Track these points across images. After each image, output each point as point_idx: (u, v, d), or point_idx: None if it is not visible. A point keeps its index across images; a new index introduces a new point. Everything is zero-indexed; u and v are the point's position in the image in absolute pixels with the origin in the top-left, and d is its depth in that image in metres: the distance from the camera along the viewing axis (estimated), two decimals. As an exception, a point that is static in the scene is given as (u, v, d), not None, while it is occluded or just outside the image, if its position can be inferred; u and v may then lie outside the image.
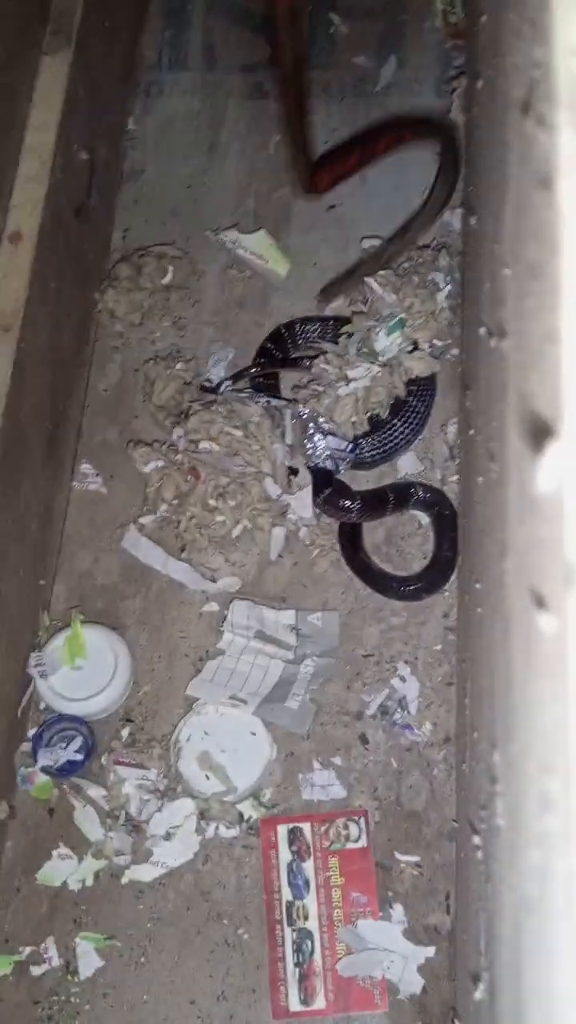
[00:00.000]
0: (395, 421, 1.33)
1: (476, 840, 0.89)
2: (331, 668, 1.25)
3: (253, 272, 1.51)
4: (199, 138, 1.62)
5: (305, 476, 1.31)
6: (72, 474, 1.39)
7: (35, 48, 1.31)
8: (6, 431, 1.13)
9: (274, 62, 1.34)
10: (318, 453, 1.32)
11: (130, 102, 1.64)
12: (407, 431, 1.33)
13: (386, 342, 1.33)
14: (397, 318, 1.33)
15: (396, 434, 1.33)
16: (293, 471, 1.32)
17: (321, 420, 1.33)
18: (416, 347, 1.34)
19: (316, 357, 1.37)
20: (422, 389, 1.35)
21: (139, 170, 1.60)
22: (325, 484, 1.31)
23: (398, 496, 1.32)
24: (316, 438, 1.32)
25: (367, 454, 1.34)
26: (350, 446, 1.33)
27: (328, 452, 1.32)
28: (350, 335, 1.37)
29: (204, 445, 1.31)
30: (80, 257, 1.41)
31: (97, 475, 1.39)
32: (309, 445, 1.32)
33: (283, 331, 1.43)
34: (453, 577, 1.28)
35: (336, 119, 1.61)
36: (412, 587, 1.29)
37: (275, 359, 1.41)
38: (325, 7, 1.69)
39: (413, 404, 1.33)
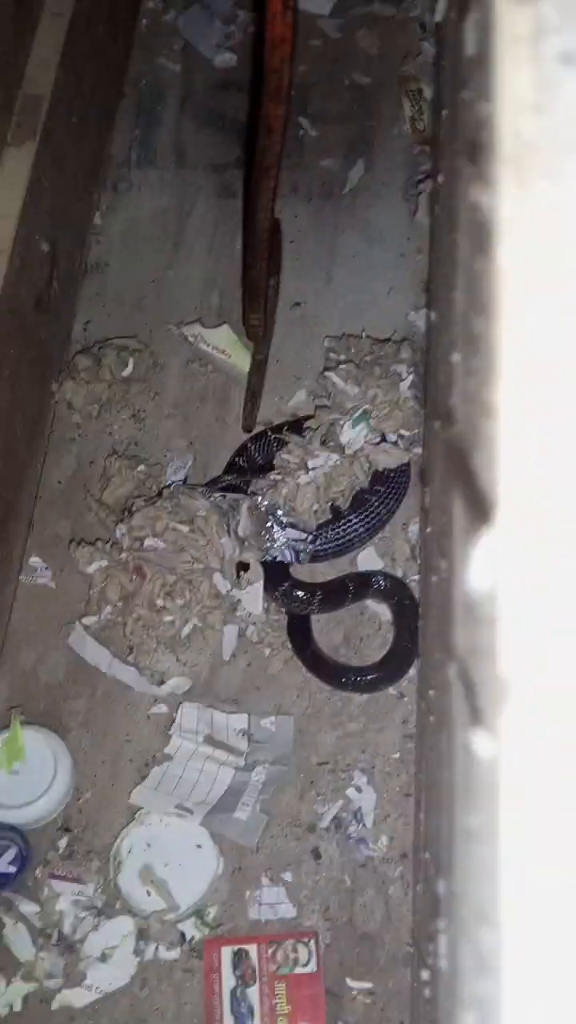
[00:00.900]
0: (352, 517, 1.30)
1: (424, 975, 0.83)
2: (284, 776, 1.19)
3: (215, 367, 1.49)
4: (166, 233, 1.61)
5: (257, 571, 1.27)
6: (20, 567, 1.34)
7: (0, 139, 1.30)
8: (-52, 521, 1.09)
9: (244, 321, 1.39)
10: (277, 545, 1.28)
11: (97, 196, 1.63)
12: (362, 528, 1.30)
13: (351, 434, 1.31)
14: (361, 409, 1.31)
15: (351, 530, 1.30)
16: (243, 566, 1.28)
17: (279, 512, 1.29)
18: (384, 439, 1.31)
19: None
20: (390, 485, 1.31)
21: (103, 263, 1.59)
22: (282, 577, 1.27)
23: (358, 585, 1.29)
24: (275, 529, 1.28)
25: (322, 546, 1.30)
26: (310, 536, 1.29)
27: (287, 543, 1.28)
28: (314, 428, 1.34)
29: (149, 542, 1.27)
30: (38, 347, 1.39)
31: (47, 569, 1.35)
32: (267, 537, 1.28)
33: (249, 444, 1.40)
34: (411, 672, 1.23)
35: (303, 220, 1.61)
36: (369, 677, 1.24)
37: (244, 471, 1.37)
38: (295, 112, 1.71)
39: (372, 501, 1.30)
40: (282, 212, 1.60)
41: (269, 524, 1.29)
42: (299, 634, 1.27)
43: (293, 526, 1.29)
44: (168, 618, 1.26)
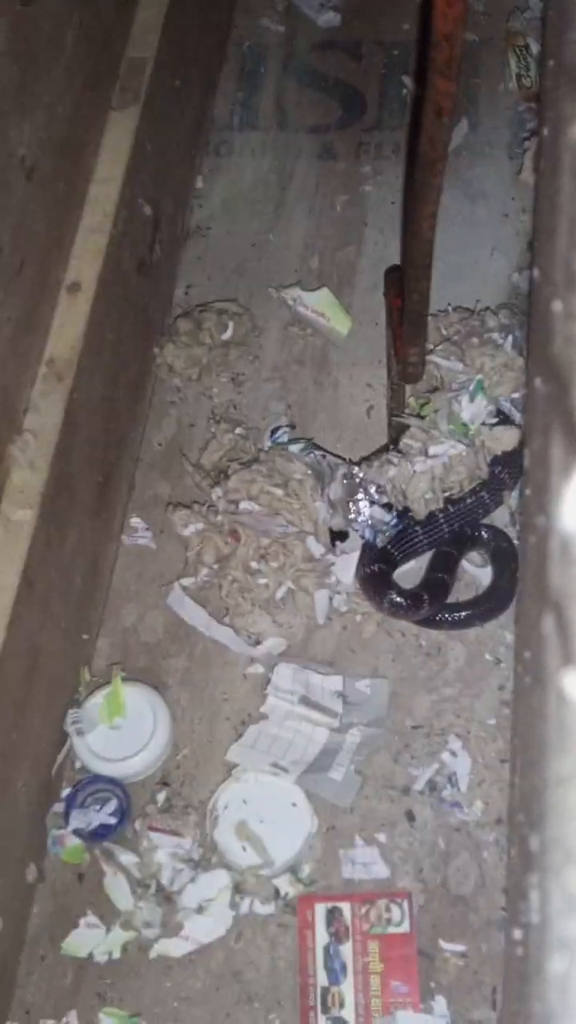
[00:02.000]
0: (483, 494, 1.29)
1: (517, 934, 0.82)
2: (378, 739, 1.20)
3: (314, 330, 1.48)
4: (266, 197, 1.61)
5: (353, 541, 1.27)
6: (122, 528, 1.37)
7: (104, 102, 1.31)
8: (53, 480, 1.11)
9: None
10: (360, 519, 1.28)
11: (198, 160, 1.64)
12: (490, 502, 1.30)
13: (472, 409, 1.28)
14: (475, 380, 1.28)
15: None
16: (340, 535, 1.28)
17: (372, 488, 1.28)
18: (502, 418, 1.28)
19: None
20: (505, 467, 1.28)
21: (205, 227, 1.60)
22: (382, 562, 1.27)
23: (459, 547, 1.28)
24: (362, 504, 1.28)
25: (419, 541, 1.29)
26: (394, 520, 1.28)
27: (371, 521, 1.27)
28: (435, 411, 1.32)
29: (244, 505, 1.28)
30: (140, 310, 1.40)
31: (147, 530, 1.37)
32: (353, 509, 1.28)
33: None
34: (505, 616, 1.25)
35: (404, 179, 1.59)
36: (463, 613, 1.25)
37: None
38: (399, 70, 1.69)
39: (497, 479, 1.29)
40: (384, 173, 1.59)
41: (359, 497, 1.28)
42: (376, 588, 1.26)
43: (385, 505, 1.28)
44: (262, 581, 1.27)
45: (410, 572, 1.30)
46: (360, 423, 1.42)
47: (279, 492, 1.29)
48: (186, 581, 1.32)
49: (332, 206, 1.59)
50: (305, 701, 1.22)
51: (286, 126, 1.67)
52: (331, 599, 1.29)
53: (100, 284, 1.22)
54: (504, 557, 1.27)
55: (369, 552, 1.28)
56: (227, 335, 1.47)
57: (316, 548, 1.28)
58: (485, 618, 1.26)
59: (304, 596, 1.27)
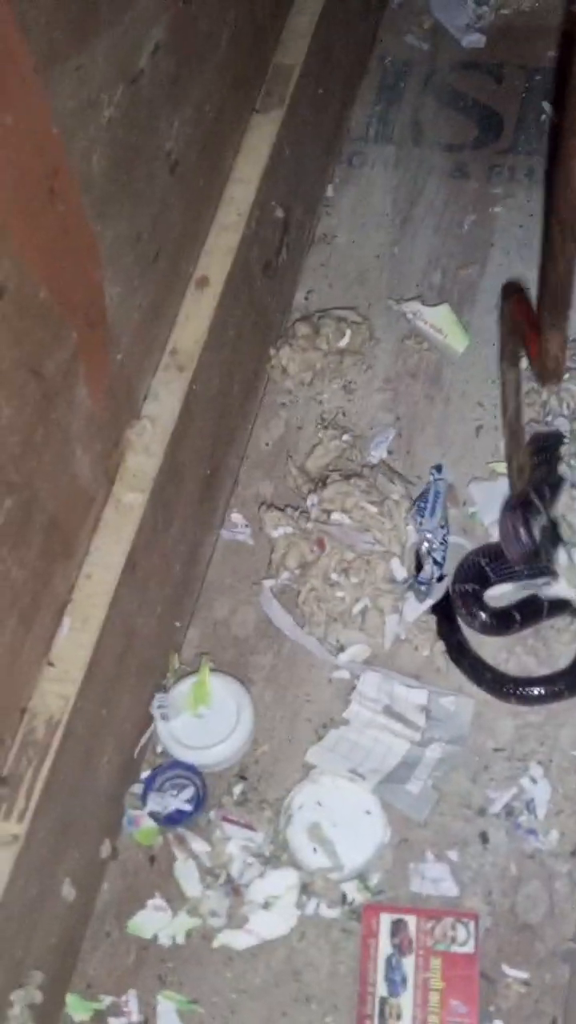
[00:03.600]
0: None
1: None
2: (458, 757, 1.19)
3: (430, 345, 1.49)
4: (395, 210, 1.62)
5: (429, 572, 1.27)
6: (222, 522, 1.38)
7: (249, 105, 1.34)
8: (165, 468, 1.13)
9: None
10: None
11: (332, 169, 1.66)
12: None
13: None
14: None
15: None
16: (418, 563, 1.29)
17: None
18: None
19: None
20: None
21: (331, 235, 1.62)
22: (476, 581, 1.27)
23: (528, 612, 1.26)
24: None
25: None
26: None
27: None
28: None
29: (336, 516, 1.29)
30: (261, 311, 1.42)
31: (247, 526, 1.38)
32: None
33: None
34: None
35: (534, 204, 1.59)
36: (536, 690, 1.22)
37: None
38: (539, 95, 1.69)
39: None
40: (515, 196, 1.59)
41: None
42: (452, 639, 1.27)
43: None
44: (340, 594, 1.27)
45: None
46: (468, 441, 1.41)
47: (373, 509, 1.30)
48: (268, 582, 1.33)
49: (459, 224, 1.59)
50: (388, 711, 1.22)
51: (421, 142, 1.68)
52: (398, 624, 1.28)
53: (228, 281, 1.25)
54: None
55: (465, 570, 1.28)
56: (343, 343, 1.49)
57: (399, 571, 1.28)
58: (560, 697, 1.22)
59: (377, 616, 1.27)
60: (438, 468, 1.36)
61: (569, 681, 1.22)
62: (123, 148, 0.97)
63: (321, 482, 1.36)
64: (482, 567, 1.28)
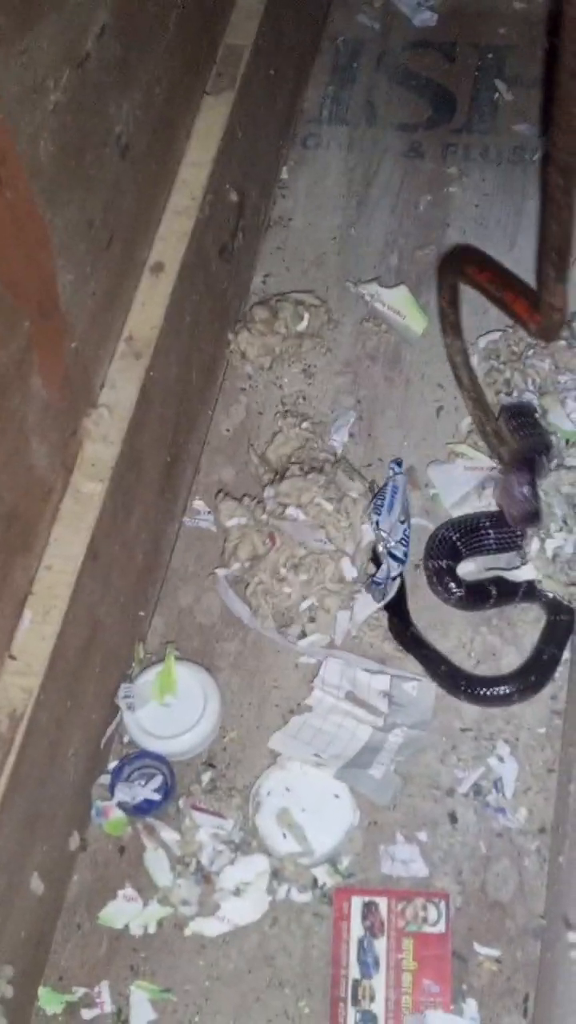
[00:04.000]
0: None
1: (572, 937, 0.82)
2: (420, 740, 1.19)
3: (389, 327, 1.48)
4: (350, 191, 1.61)
5: (385, 571, 1.26)
6: (184, 509, 1.38)
7: (200, 87, 1.32)
8: (125, 456, 1.12)
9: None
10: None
11: (286, 151, 1.65)
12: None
13: None
14: None
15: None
16: (375, 561, 1.28)
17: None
18: None
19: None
20: None
21: (287, 218, 1.61)
22: (449, 557, 1.27)
23: (525, 591, 1.26)
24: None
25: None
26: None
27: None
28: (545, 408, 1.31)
29: (291, 511, 1.28)
30: (218, 296, 1.41)
31: (209, 513, 1.38)
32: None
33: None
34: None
35: (490, 184, 1.59)
36: (496, 690, 1.21)
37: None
38: (492, 74, 1.69)
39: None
40: (470, 175, 1.59)
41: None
42: (405, 633, 1.27)
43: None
44: (287, 590, 1.26)
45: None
46: (429, 423, 1.41)
47: (329, 507, 1.29)
48: (222, 571, 1.32)
49: (415, 205, 1.59)
50: (351, 697, 1.22)
51: (375, 122, 1.68)
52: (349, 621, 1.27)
53: (183, 266, 1.23)
54: (558, 631, 1.24)
55: (437, 545, 1.28)
56: (302, 326, 1.48)
57: (349, 571, 1.26)
58: (524, 696, 1.21)
59: (325, 615, 1.26)
60: (398, 463, 1.36)
61: (519, 684, 1.21)
62: (72, 133, 0.96)
63: (280, 474, 1.35)
64: (453, 542, 1.27)
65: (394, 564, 1.27)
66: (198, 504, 1.38)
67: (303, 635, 1.27)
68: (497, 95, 1.67)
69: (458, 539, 1.27)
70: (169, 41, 1.18)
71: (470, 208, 1.57)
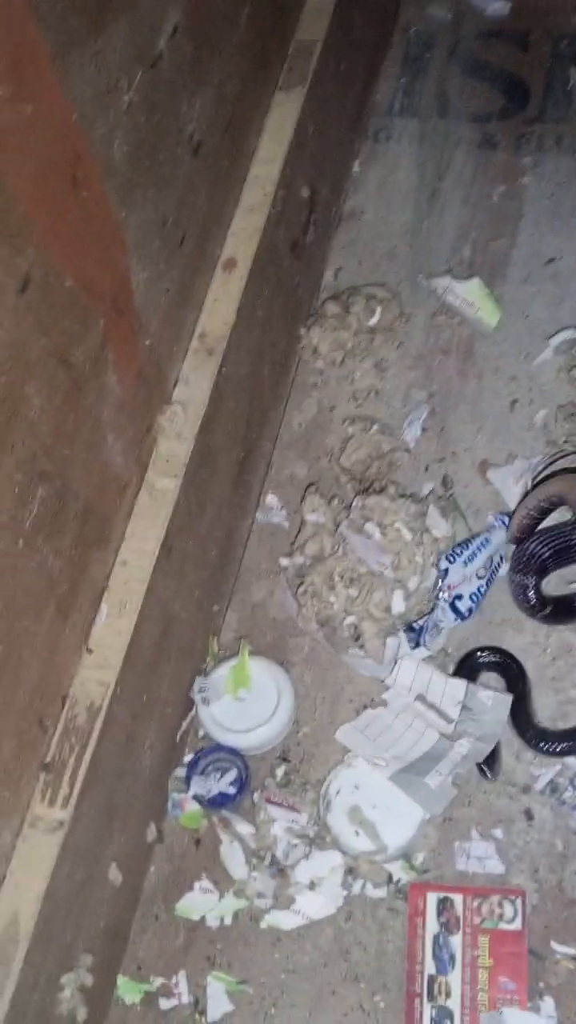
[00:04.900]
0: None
1: None
2: (485, 753, 1.16)
3: (462, 319, 1.47)
4: (422, 184, 1.60)
5: (430, 619, 1.24)
6: (257, 504, 1.38)
7: (271, 83, 1.33)
8: (198, 452, 1.13)
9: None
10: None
11: (357, 145, 1.64)
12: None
13: None
14: None
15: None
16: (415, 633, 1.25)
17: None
18: None
19: None
20: None
21: (359, 212, 1.60)
22: (535, 572, 1.23)
23: None
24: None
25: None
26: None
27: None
28: None
29: (369, 527, 1.26)
30: (290, 291, 1.41)
31: (282, 508, 1.38)
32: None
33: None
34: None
35: (563, 174, 1.57)
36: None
37: None
38: (566, 63, 1.66)
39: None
40: (543, 165, 1.57)
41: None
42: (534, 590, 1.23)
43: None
44: (332, 599, 1.24)
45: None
46: (502, 416, 1.40)
47: (408, 536, 1.25)
48: (284, 561, 1.32)
49: (488, 196, 1.57)
50: (422, 700, 1.21)
51: (447, 114, 1.66)
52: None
53: (255, 262, 1.24)
54: None
55: (526, 561, 1.22)
56: (374, 320, 1.47)
57: (398, 604, 1.22)
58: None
59: (373, 640, 1.23)
60: (507, 516, 1.30)
61: None
62: (145, 132, 0.97)
63: (360, 479, 1.35)
64: (543, 559, 1.22)
65: (450, 616, 1.25)
66: (271, 499, 1.39)
67: (358, 639, 1.25)
68: (571, 83, 1.64)
69: (549, 556, 1.23)
70: (240, 38, 1.19)
71: (544, 199, 1.55)
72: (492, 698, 1.20)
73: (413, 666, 1.22)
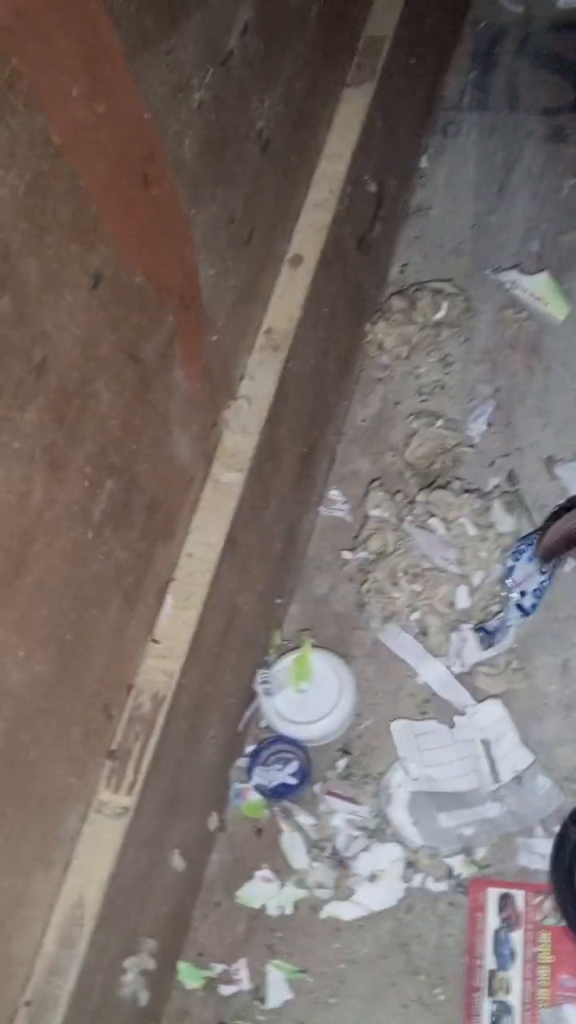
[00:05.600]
0: None
1: None
2: (506, 829, 1.14)
3: (529, 314, 1.46)
4: (491, 177, 1.59)
5: (499, 619, 1.23)
6: (320, 499, 1.39)
7: (340, 79, 1.33)
8: (263, 447, 1.14)
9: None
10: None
11: (426, 140, 1.64)
12: None
13: None
14: None
15: None
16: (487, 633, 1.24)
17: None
18: None
19: None
20: None
21: (426, 207, 1.60)
22: None
23: None
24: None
25: None
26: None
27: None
28: None
29: (432, 522, 1.26)
30: (356, 287, 1.42)
31: (345, 503, 1.39)
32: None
33: None
34: None
35: None
36: None
37: None
38: None
39: None
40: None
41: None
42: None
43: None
44: (396, 595, 1.25)
45: None
46: (570, 412, 1.39)
47: (472, 531, 1.26)
48: (347, 554, 1.33)
49: (558, 190, 1.56)
50: (486, 746, 1.18)
51: (517, 107, 1.65)
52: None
53: (321, 258, 1.24)
54: None
55: None
56: (440, 315, 1.47)
57: (463, 599, 1.24)
58: None
59: (437, 636, 1.24)
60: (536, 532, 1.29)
61: None
62: (215, 130, 0.98)
63: (423, 475, 1.35)
64: None
65: (516, 614, 1.24)
66: (334, 494, 1.40)
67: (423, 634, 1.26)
68: None
69: None
70: (310, 35, 1.19)
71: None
72: (548, 787, 1.16)
73: (499, 711, 1.20)
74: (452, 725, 1.21)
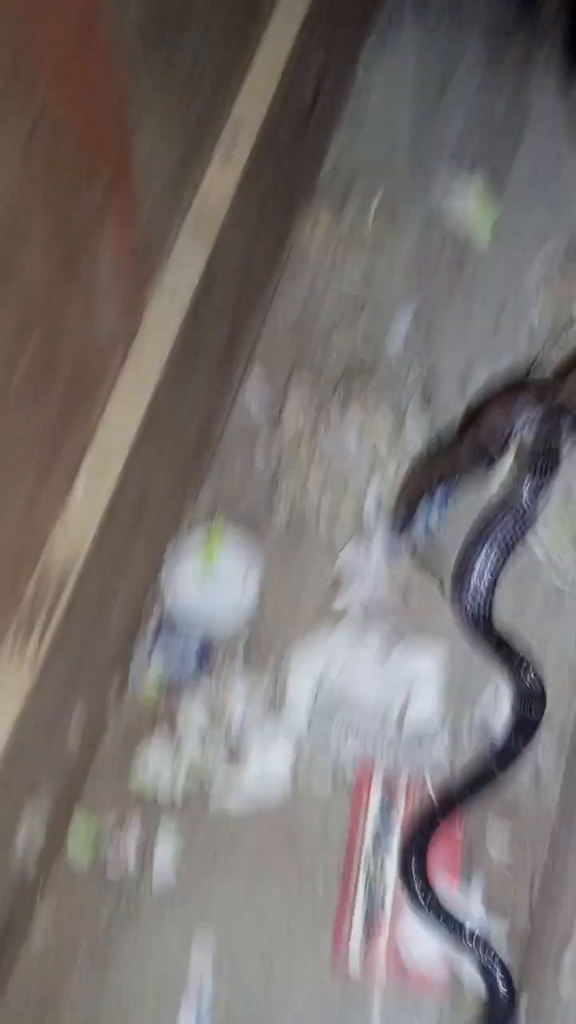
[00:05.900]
0: None
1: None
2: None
3: (457, 227, 1.47)
4: (427, 91, 1.59)
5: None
6: (237, 393, 1.39)
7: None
8: (184, 330, 1.12)
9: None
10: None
11: (364, 45, 1.62)
12: None
13: None
14: None
15: None
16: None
17: None
18: None
19: None
20: None
21: (361, 113, 1.58)
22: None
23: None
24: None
25: None
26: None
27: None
28: None
29: (345, 433, 1.30)
30: (286, 186, 1.41)
31: (261, 399, 1.39)
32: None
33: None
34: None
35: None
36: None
37: None
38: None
39: None
40: (551, 77, 1.56)
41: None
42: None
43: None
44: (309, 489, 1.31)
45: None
46: (488, 326, 1.41)
47: (384, 448, 1.30)
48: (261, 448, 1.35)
49: (491, 111, 1.56)
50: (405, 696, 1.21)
51: (460, 23, 1.64)
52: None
53: (254, 152, 1.21)
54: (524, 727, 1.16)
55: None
56: (368, 222, 1.47)
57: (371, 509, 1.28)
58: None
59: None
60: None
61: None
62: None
63: (348, 391, 1.37)
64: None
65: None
66: (250, 388, 1.39)
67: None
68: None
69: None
70: None
71: (548, 112, 1.55)
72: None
73: (431, 665, 1.22)
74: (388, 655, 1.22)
